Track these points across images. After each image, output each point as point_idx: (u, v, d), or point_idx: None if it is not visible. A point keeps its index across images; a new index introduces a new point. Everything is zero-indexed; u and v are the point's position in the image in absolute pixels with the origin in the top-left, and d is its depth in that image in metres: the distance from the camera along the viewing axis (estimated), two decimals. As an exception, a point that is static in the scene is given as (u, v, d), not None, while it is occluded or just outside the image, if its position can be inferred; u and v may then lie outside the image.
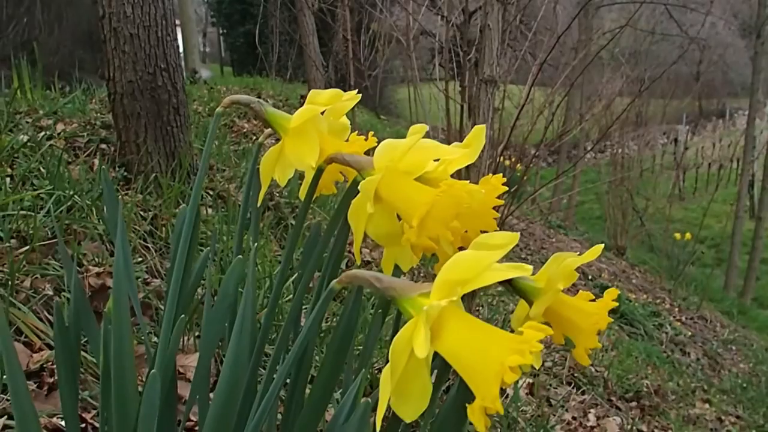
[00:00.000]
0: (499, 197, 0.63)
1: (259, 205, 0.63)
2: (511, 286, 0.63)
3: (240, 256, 0.54)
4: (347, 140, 0.67)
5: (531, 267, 0.45)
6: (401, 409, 0.46)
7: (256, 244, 0.60)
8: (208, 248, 0.65)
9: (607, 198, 8.88)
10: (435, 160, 0.58)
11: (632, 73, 8.50)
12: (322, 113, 0.63)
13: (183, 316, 0.54)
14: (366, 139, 0.68)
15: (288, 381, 0.64)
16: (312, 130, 0.61)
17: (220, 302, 0.57)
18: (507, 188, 0.58)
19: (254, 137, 4.03)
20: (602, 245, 0.61)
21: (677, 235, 7.71)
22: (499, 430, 1.76)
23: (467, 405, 0.42)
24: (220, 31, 12.71)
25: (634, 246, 8.84)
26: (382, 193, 0.56)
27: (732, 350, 5.40)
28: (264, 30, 7.64)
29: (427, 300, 0.44)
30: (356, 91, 0.68)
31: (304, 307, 0.76)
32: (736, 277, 8.92)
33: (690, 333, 5.13)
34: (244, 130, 4.09)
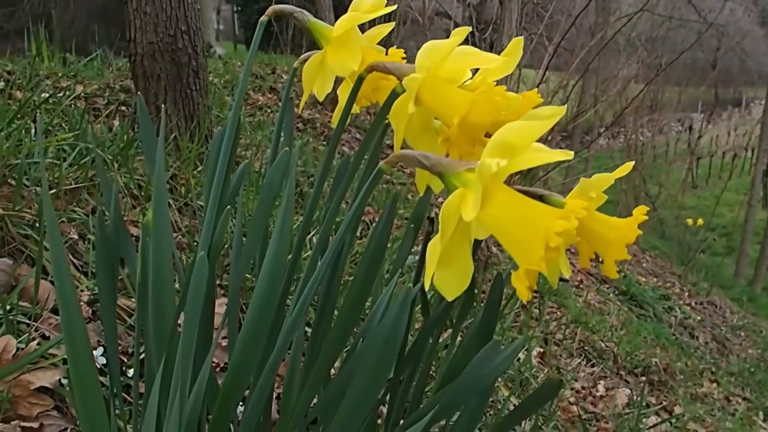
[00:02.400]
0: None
1: (300, 112, 0.64)
2: (542, 202, 0.64)
3: (287, 149, 0.56)
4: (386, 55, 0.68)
5: (572, 153, 0.46)
6: (444, 283, 0.47)
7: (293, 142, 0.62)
8: (246, 161, 0.67)
9: (620, 183, 8.85)
10: (474, 71, 0.60)
11: (648, 58, 8.42)
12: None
13: (228, 207, 0.56)
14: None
15: (320, 290, 0.66)
16: (354, 38, 0.62)
17: (265, 192, 0.58)
18: (542, 100, 0.59)
19: (269, 110, 4.04)
20: (632, 162, 0.62)
21: (689, 221, 7.67)
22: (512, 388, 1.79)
23: (512, 272, 0.44)
24: (234, 9, 12.69)
25: (645, 231, 8.80)
26: (422, 95, 0.57)
27: (741, 336, 5.40)
28: (279, 7, 7.61)
29: (473, 174, 0.46)
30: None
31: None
32: (747, 266, 8.90)
33: (699, 317, 5.13)
34: (259, 103, 4.10)
